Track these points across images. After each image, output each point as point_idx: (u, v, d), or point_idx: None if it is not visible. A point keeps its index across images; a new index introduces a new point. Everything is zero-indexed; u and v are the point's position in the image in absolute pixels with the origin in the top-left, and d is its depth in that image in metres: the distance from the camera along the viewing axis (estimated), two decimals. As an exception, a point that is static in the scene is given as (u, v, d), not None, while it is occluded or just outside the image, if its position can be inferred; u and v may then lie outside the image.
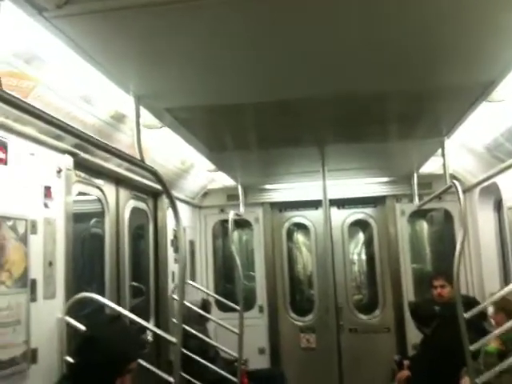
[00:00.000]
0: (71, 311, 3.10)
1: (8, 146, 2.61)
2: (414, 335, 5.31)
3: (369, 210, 6.28)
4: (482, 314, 4.26)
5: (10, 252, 2.59)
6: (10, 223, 2.61)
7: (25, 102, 1.76)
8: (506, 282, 4.97)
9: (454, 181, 3.52)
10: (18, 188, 2.70)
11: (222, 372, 4.58)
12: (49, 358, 2.91)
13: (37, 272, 2.83)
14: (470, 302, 3.91)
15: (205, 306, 5.10)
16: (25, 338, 2.69)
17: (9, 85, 2.29)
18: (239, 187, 5.68)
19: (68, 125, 2.05)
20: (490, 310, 3.96)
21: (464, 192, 3.70)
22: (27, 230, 2.74)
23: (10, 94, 1.69)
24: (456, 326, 3.23)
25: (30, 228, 2.76)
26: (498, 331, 3.40)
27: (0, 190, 2.56)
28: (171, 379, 3.16)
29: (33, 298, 2.78)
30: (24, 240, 2.72)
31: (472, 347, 3.24)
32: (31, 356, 2.74)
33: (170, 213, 4.97)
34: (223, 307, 5.69)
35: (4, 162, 2.59)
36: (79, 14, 1.81)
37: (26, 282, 2.72)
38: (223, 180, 5.86)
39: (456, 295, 3.29)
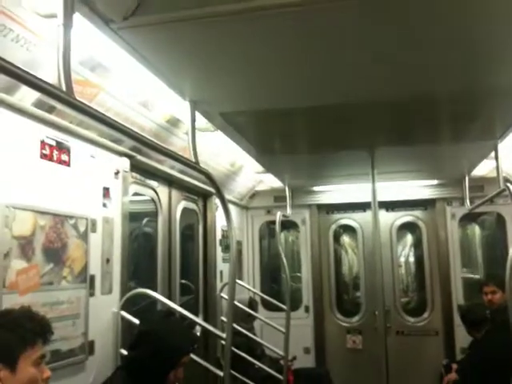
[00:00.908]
0: (126, 306, 3.23)
1: (71, 149, 2.76)
2: (462, 339, 5.23)
3: (418, 213, 6.19)
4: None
5: (71, 249, 2.74)
6: (72, 222, 2.75)
7: (92, 108, 1.87)
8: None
9: (508, 184, 3.47)
10: (79, 188, 2.84)
11: (269, 369, 4.65)
12: (105, 350, 3.04)
13: (95, 268, 2.97)
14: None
15: (252, 304, 5.16)
16: (83, 330, 2.82)
17: (74, 92, 2.42)
18: (287, 189, 5.72)
19: (129, 128, 2.15)
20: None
21: (517, 195, 3.62)
22: (88, 229, 2.88)
23: (79, 101, 1.80)
24: (507, 331, 3.18)
25: (90, 226, 2.91)
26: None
27: (63, 190, 2.70)
28: (221, 374, 3.25)
29: (91, 293, 2.91)
30: (84, 238, 2.86)
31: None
32: (89, 348, 2.87)
33: (218, 213, 5.08)
34: (269, 306, 5.76)
35: (67, 163, 2.74)
36: (143, 25, 1.90)
37: (85, 278, 2.86)
38: (271, 182, 5.92)
39: (508, 300, 3.24)
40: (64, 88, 1.66)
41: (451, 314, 5.75)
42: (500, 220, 5.84)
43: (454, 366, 5.01)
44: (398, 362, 5.57)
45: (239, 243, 6.09)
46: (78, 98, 1.77)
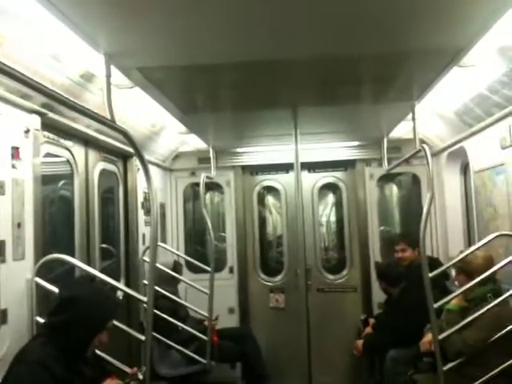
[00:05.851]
0: (41, 272, 3.08)
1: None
2: (378, 294, 5.47)
3: (339, 174, 6.33)
4: (445, 275, 4.44)
5: (-23, 213, 2.56)
6: (-23, 184, 2.56)
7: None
8: (469, 244, 5.14)
9: (423, 145, 3.59)
10: (-16, 148, 2.64)
11: (193, 330, 4.67)
12: (19, 318, 2.90)
13: (5, 233, 2.79)
14: (435, 265, 4.03)
15: (176, 267, 5.13)
16: (-6, 298, 2.67)
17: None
18: (211, 150, 5.67)
19: (38, 83, 1.99)
20: (453, 271, 4.10)
21: (432, 156, 3.76)
22: (-5, 191, 2.70)
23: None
24: (422, 287, 3.34)
25: (-3, 189, 2.72)
26: (459, 291, 3.54)
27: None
28: (143, 338, 3.21)
29: (1, 260, 2.75)
30: (-8, 201, 2.67)
31: (436, 305, 3.37)
32: (1, 316, 2.73)
33: (140, 175, 4.93)
34: (194, 269, 5.73)
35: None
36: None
37: (-6, 244, 2.69)
38: (195, 143, 5.81)
39: (422, 256, 3.39)
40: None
41: (369, 271, 5.98)
42: (416, 180, 6.09)
43: (372, 320, 5.25)
44: (319, 318, 5.77)
45: (162, 206, 5.99)
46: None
